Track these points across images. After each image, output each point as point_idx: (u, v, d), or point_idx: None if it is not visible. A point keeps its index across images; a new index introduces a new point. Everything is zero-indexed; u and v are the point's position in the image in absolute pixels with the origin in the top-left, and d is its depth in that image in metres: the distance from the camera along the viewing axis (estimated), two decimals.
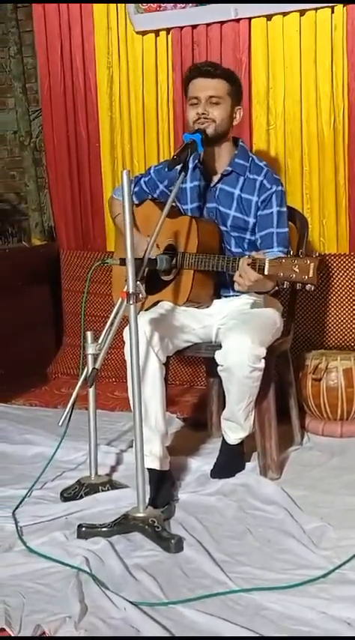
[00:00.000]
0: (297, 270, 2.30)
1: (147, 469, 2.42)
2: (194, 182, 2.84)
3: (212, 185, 2.81)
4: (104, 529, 2.27)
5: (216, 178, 2.81)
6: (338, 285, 3.57)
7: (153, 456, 2.50)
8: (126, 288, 2.23)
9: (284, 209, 2.76)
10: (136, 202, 2.94)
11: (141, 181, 2.96)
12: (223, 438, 2.75)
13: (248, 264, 2.41)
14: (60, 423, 2.62)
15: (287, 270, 2.32)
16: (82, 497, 2.57)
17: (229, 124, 2.74)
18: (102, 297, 3.78)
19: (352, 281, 3.55)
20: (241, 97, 2.80)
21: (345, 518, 2.38)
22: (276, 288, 2.58)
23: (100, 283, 3.66)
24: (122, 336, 2.47)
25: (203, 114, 2.67)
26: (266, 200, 2.73)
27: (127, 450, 2.97)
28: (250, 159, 2.80)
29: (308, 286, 2.31)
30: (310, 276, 2.29)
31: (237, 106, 2.75)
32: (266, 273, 2.37)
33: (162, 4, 3.64)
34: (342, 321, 3.57)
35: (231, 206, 2.77)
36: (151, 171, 2.97)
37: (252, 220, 2.76)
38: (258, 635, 1.75)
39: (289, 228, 2.78)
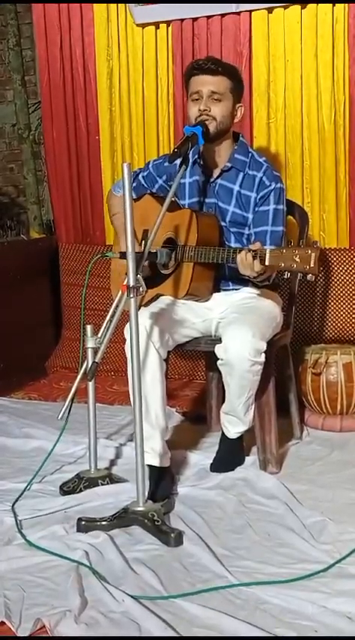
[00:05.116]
0: (298, 261, 2.30)
1: (147, 465, 2.42)
2: (193, 177, 2.83)
3: (211, 180, 2.80)
4: (104, 523, 2.27)
5: (215, 174, 2.80)
6: (338, 280, 3.57)
7: (154, 453, 2.49)
8: (126, 281, 2.23)
9: (282, 207, 2.74)
10: (134, 197, 2.93)
11: (140, 176, 2.95)
12: (223, 432, 2.75)
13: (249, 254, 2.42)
14: (59, 417, 2.61)
15: (288, 261, 2.32)
16: (81, 490, 2.56)
17: (230, 121, 2.72)
18: (102, 290, 3.77)
19: (352, 275, 3.54)
20: (242, 94, 2.78)
21: (345, 512, 2.38)
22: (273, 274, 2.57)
23: (100, 277, 3.66)
24: (121, 331, 2.47)
25: (205, 110, 2.64)
26: (264, 197, 2.72)
27: (126, 444, 2.97)
28: (250, 154, 2.79)
29: (309, 276, 2.32)
30: (311, 266, 2.28)
31: (238, 103, 2.73)
32: (267, 263, 2.37)
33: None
34: (342, 315, 3.57)
35: (231, 202, 2.76)
36: (150, 165, 2.96)
37: (251, 216, 2.75)
38: (261, 635, 1.75)
39: (285, 227, 2.76)
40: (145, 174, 2.94)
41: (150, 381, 2.49)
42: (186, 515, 2.36)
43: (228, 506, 2.45)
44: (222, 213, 2.78)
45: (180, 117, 3.73)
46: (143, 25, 3.77)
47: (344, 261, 3.55)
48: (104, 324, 2.57)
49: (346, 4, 3.37)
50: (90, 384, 2.61)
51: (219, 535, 2.25)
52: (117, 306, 2.42)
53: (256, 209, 2.73)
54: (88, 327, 2.59)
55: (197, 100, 2.68)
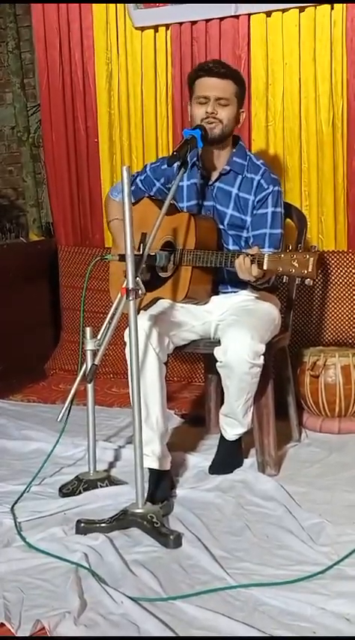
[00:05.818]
0: (296, 265, 2.31)
1: (147, 468, 2.42)
2: (191, 180, 2.84)
3: (210, 183, 2.81)
4: (103, 525, 2.27)
5: (214, 177, 2.81)
6: (336, 282, 3.58)
7: (154, 456, 2.49)
8: (125, 284, 2.23)
9: (280, 210, 2.76)
10: (133, 201, 2.93)
11: (138, 180, 2.95)
12: (221, 434, 2.75)
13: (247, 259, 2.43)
14: (58, 419, 2.62)
15: (286, 265, 2.33)
16: (80, 492, 2.57)
17: (234, 125, 2.73)
18: (101, 293, 3.77)
19: (350, 278, 3.55)
20: (244, 99, 2.79)
21: (343, 514, 2.38)
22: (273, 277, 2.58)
23: (99, 279, 3.66)
24: (121, 333, 2.47)
25: (212, 113, 2.65)
26: (262, 200, 2.73)
27: (125, 446, 2.98)
28: (248, 157, 2.80)
29: (307, 281, 2.32)
30: (309, 270, 2.29)
31: (241, 108, 2.75)
32: (265, 267, 2.38)
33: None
34: (340, 317, 3.58)
35: (229, 205, 2.77)
36: (147, 168, 2.96)
37: (249, 219, 2.76)
38: (259, 635, 1.76)
39: (283, 229, 2.77)
40: (143, 177, 2.95)
41: (150, 385, 2.49)
42: (184, 517, 2.36)
43: (226, 508, 2.45)
44: (220, 216, 2.79)
45: (178, 120, 3.75)
46: (142, 29, 3.79)
47: (343, 264, 3.56)
48: (103, 327, 2.57)
49: (344, 5, 3.37)
50: (90, 387, 2.61)
51: (217, 537, 2.26)
52: (116, 308, 2.42)
53: (254, 212, 2.74)
54: (88, 330, 2.60)
55: (204, 103, 2.68)
